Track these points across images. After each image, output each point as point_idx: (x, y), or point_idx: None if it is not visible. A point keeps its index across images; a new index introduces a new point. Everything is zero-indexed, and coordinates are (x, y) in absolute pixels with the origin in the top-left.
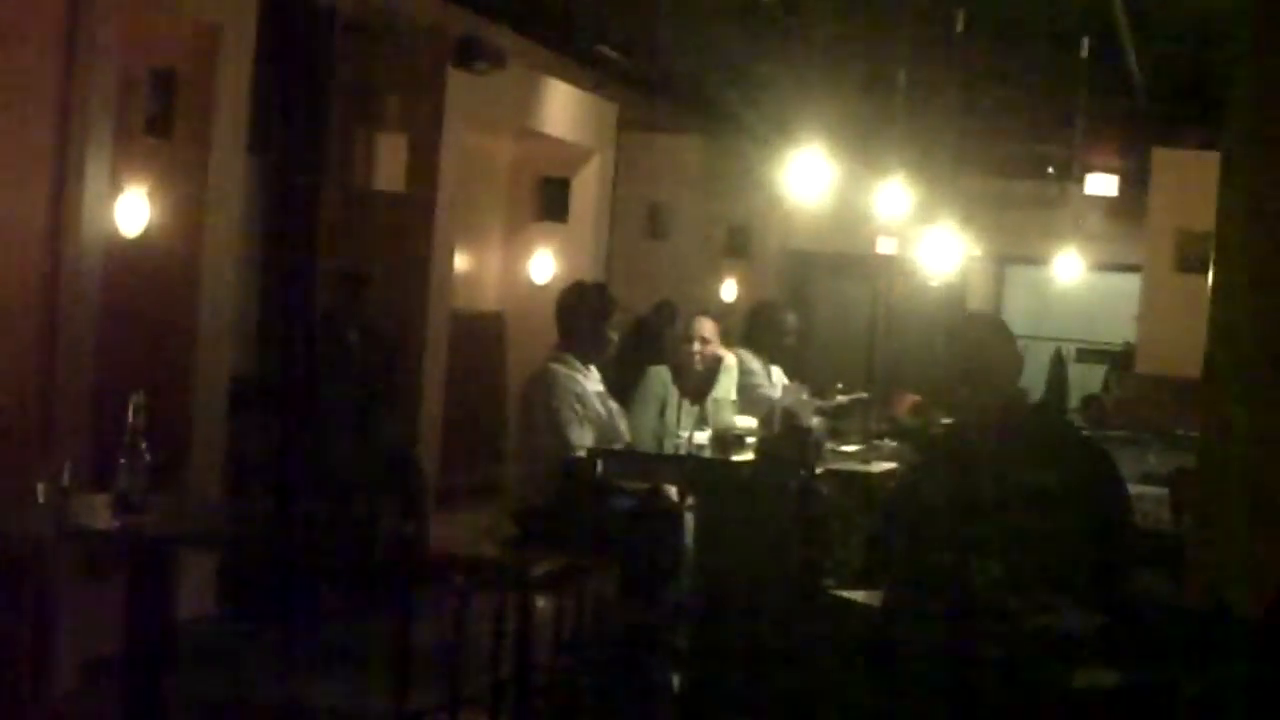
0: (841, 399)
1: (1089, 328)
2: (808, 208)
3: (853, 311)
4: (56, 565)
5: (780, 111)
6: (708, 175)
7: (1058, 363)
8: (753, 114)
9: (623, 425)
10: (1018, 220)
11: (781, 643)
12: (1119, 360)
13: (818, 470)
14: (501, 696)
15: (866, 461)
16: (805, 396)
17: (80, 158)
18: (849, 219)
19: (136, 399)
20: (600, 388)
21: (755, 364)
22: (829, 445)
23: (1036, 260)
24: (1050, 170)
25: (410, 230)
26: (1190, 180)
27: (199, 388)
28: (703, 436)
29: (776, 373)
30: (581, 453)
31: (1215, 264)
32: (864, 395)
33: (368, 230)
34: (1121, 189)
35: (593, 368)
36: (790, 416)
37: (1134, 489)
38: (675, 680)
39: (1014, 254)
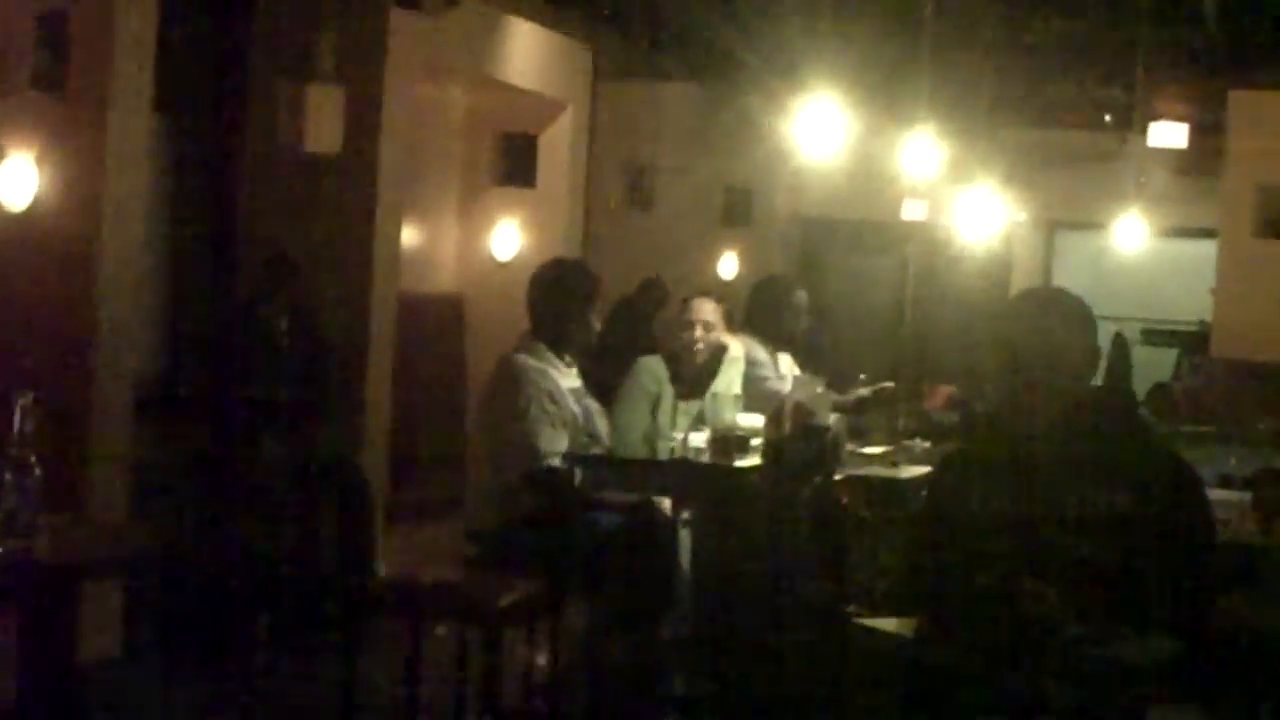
0: (864, 392)
1: (1155, 304)
2: (820, 167)
3: (876, 288)
4: None
5: (787, 54)
6: (701, 130)
7: (1120, 347)
8: (754, 57)
9: (603, 427)
10: (1070, 178)
11: (797, 683)
12: (1191, 343)
13: (836, 476)
14: None
15: (894, 465)
16: (820, 390)
17: None
18: (870, 180)
19: (24, 401)
20: (577, 383)
21: (761, 352)
22: (850, 447)
23: (1092, 225)
24: (1108, 119)
25: (349, 199)
26: (1274, 128)
27: (98, 388)
28: (700, 439)
29: (785, 362)
30: (556, 460)
31: None
32: (890, 387)
33: (298, 200)
34: (1192, 140)
35: (570, 360)
36: (803, 413)
37: (1211, 495)
38: None
39: (1066, 218)
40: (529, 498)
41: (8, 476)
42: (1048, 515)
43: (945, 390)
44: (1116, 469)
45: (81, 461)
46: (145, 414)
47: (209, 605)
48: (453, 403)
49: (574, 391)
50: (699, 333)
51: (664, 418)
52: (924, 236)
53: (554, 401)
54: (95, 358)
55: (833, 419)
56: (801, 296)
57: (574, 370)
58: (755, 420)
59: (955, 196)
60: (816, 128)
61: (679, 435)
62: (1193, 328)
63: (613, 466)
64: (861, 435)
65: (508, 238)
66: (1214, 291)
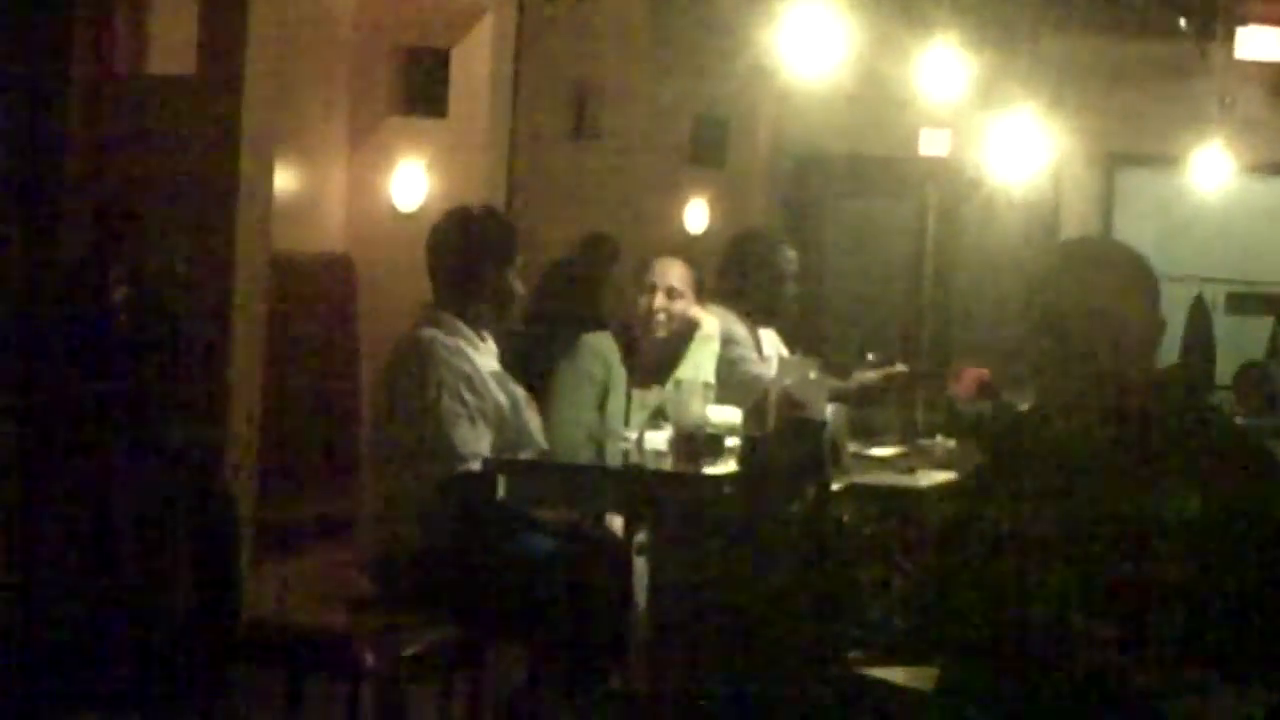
0: (870, 376)
1: (1244, 261)
2: (814, 89)
3: (886, 244)
4: None
5: None
6: (660, 42)
7: (1199, 315)
8: None
9: (535, 423)
10: (1135, 101)
11: None
12: None
13: (835, 486)
14: None
15: (910, 471)
16: (815, 374)
17: None
18: (877, 104)
19: None
20: (497, 366)
21: (738, 328)
22: (853, 447)
23: (1163, 160)
24: (1183, 23)
25: (205, 133)
26: None
27: None
28: (660, 438)
29: (770, 339)
30: (476, 464)
31: None
32: (904, 370)
33: (139, 136)
34: None
35: (487, 335)
36: (792, 405)
37: None
38: None
39: (1129, 151)
40: (443, 515)
41: None
42: (1101, 531)
43: (975, 374)
44: (1186, 468)
45: None
46: None
47: (35, 656)
48: (341, 394)
49: (496, 376)
50: (659, 302)
51: (614, 411)
52: (947, 176)
53: (473, 390)
54: None
55: (830, 411)
56: (790, 255)
57: (493, 348)
58: (731, 414)
59: (987, 125)
60: (808, 37)
61: (633, 434)
62: None
63: (548, 475)
64: (868, 432)
65: (412, 181)
66: None
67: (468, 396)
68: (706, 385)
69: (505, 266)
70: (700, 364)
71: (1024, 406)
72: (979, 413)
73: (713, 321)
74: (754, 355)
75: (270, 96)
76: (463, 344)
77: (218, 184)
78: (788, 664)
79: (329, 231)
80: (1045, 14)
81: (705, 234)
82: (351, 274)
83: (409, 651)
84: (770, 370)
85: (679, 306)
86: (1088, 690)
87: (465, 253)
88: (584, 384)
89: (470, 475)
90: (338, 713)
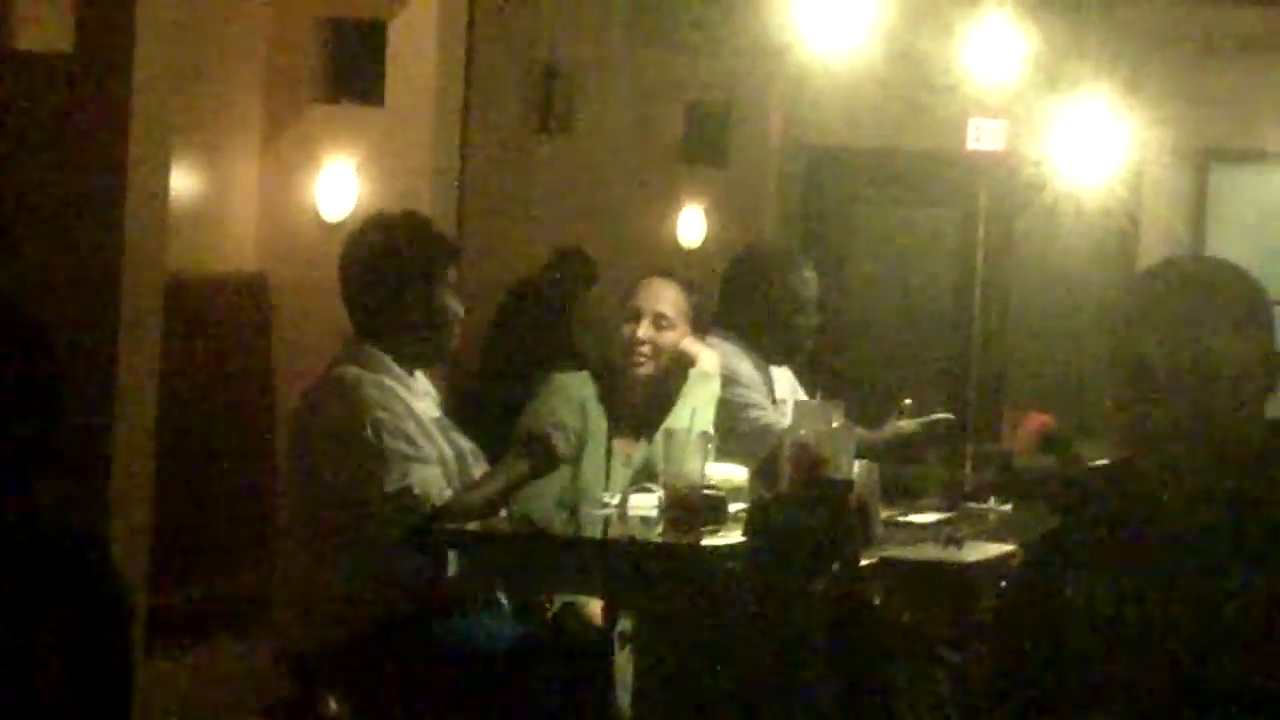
0: (907, 425)
1: None
2: (835, 69)
3: (927, 260)
4: None
5: None
6: (644, 13)
7: None
8: None
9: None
10: (1234, 83)
11: None
12: None
13: (864, 561)
14: None
15: (956, 542)
16: (839, 423)
17: None
18: (914, 88)
19: None
20: (438, 411)
21: (744, 365)
22: (886, 513)
23: (1270, 157)
24: None
25: (85, 124)
26: None
27: None
28: (648, 502)
29: (784, 379)
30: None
31: None
32: (949, 419)
33: (3, 127)
34: None
35: (419, 374)
36: (811, 461)
37: None
38: None
39: (1227, 146)
40: (375, 595)
41: None
42: (1203, 627)
43: (1038, 420)
44: None
45: None
46: None
47: None
48: (254, 445)
49: (438, 424)
50: (645, 332)
51: (591, 469)
52: (1001, 177)
53: (413, 441)
54: None
55: (859, 469)
56: (808, 276)
57: (429, 388)
58: (735, 472)
59: (1050, 114)
60: (828, 5)
61: (614, 497)
62: None
63: (508, 548)
64: (905, 495)
65: (340, 184)
66: None
67: (414, 439)
68: (705, 436)
69: (435, 284)
70: (697, 410)
71: (1100, 462)
72: (1043, 470)
73: (712, 357)
74: (763, 399)
75: (165, 79)
76: (392, 384)
77: (101, 186)
78: None
79: (238, 245)
80: None
81: (703, 249)
82: (265, 297)
83: None
84: (784, 418)
85: (670, 339)
86: None
87: (384, 270)
88: (553, 435)
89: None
90: None
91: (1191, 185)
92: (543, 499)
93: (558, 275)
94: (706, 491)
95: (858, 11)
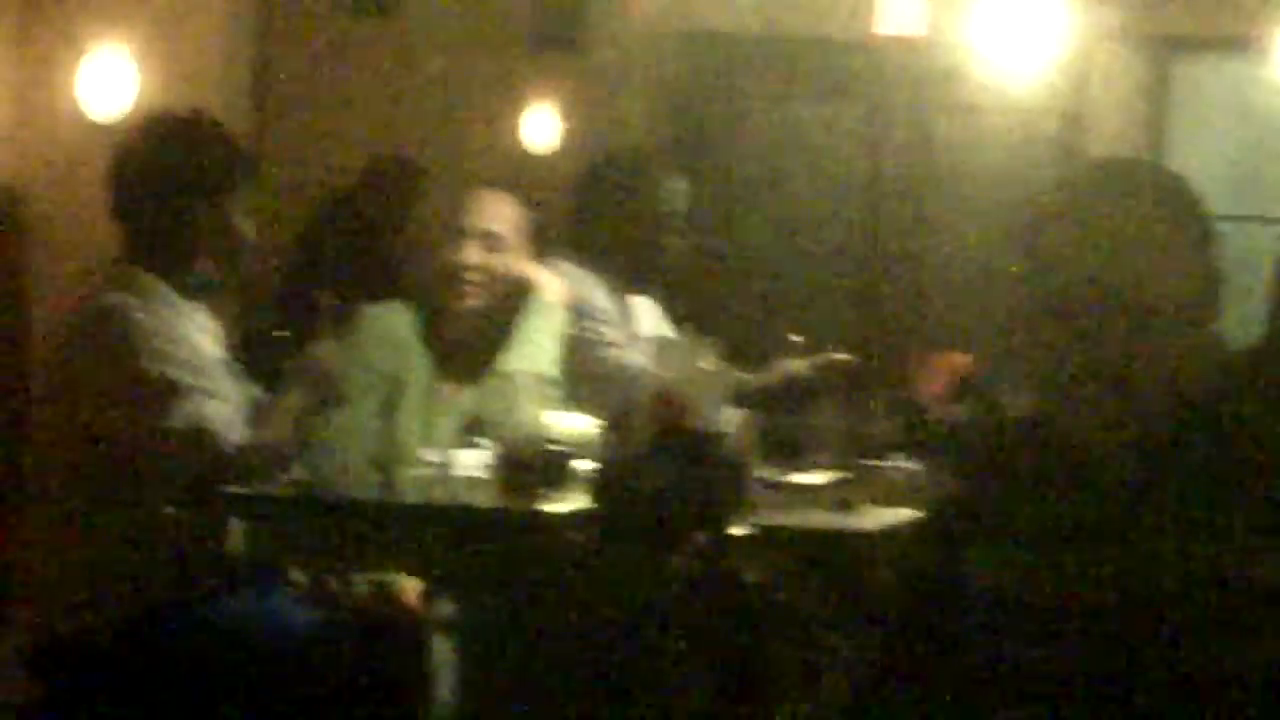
0: (797, 367)
1: None
2: None
3: (824, 171)
4: None
5: None
6: None
7: None
8: None
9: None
10: None
11: None
12: None
13: (738, 530)
14: None
15: (849, 507)
16: (710, 363)
17: None
18: None
19: None
20: (222, 353)
21: (598, 294)
22: (765, 473)
23: (1242, 45)
24: None
25: None
26: None
27: None
28: (478, 459)
29: (647, 311)
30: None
31: None
32: (847, 359)
33: None
34: None
35: (200, 308)
36: (673, 409)
37: None
38: None
39: (1192, 32)
40: (146, 565)
41: None
42: (1144, 599)
43: (952, 363)
44: (1263, 506)
45: None
46: None
47: None
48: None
49: (225, 366)
50: (474, 256)
51: (407, 420)
52: (918, 69)
53: (201, 373)
54: None
55: (734, 419)
56: (677, 188)
57: (213, 328)
58: (584, 424)
59: None
60: None
61: (436, 454)
62: None
63: (305, 515)
64: (791, 450)
65: (110, 76)
66: None
67: (202, 372)
68: (545, 380)
69: (224, 200)
70: (537, 348)
71: (1024, 408)
72: (956, 422)
73: (557, 285)
74: (620, 335)
75: None
76: (169, 316)
77: None
78: None
79: None
80: None
81: (556, 155)
82: (20, 213)
83: None
84: (644, 360)
85: (504, 263)
86: None
87: (161, 182)
88: (363, 378)
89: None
90: None
91: (1150, 78)
92: (347, 455)
93: (373, 188)
94: (547, 447)
95: None
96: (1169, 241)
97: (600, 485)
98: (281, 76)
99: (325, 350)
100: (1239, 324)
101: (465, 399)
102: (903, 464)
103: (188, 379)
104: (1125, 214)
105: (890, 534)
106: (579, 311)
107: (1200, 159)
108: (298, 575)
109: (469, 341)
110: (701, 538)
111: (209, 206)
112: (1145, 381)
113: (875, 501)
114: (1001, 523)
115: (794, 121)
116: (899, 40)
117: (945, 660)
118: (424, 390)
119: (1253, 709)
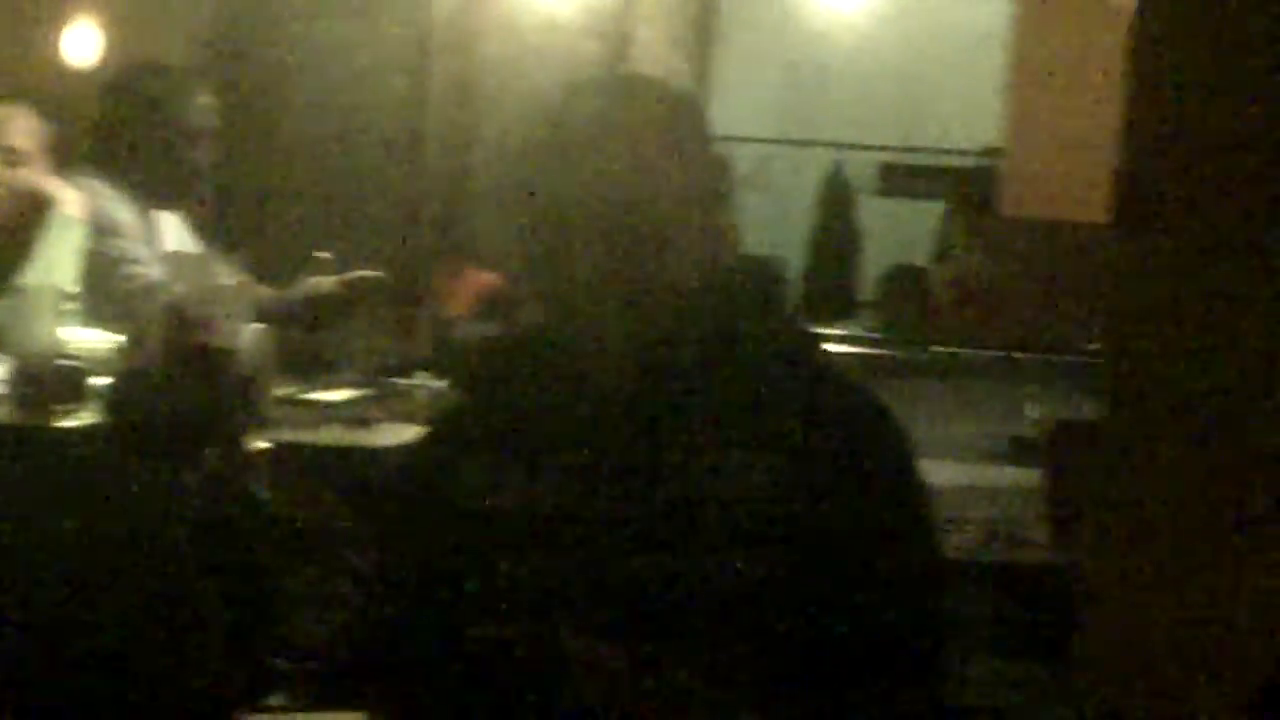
0: (324, 284)
1: (910, 119)
2: None
3: (361, 79)
4: None
5: None
6: None
7: (836, 196)
8: None
9: None
10: None
11: None
12: (968, 193)
13: (251, 446)
14: None
15: (367, 424)
16: (227, 278)
17: None
18: None
19: None
20: None
21: (121, 210)
22: (284, 390)
23: None
24: None
25: None
26: None
27: None
28: None
29: (173, 228)
30: None
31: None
32: (376, 276)
33: None
34: None
35: None
36: (185, 325)
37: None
38: None
39: None
40: None
41: None
42: (623, 510)
43: (480, 281)
44: (761, 418)
45: None
46: None
47: None
48: None
49: None
50: None
51: None
52: None
53: None
54: None
55: (251, 334)
56: (202, 102)
57: None
58: (103, 340)
59: None
60: None
61: None
62: (970, 163)
63: None
64: (313, 367)
65: None
66: (1011, 86)
67: None
68: (59, 294)
69: None
70: (55, 263)
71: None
72: (473, 336)
73: (73, 199)
74: (146, 252)
75: None
76: None
77: None
78: (178, 703)
79: None
80: None
81: (89, 69)
82: None
83: None
84: (162, 274)
85: (20, 177)
86: None
87: None
88: None
89: None
90: None
91: (698, 3)
92: None
93: None
94: (60, 362)
95: None
96: (660, 154)
97: (113, 400)
98: None
99: None
100: (786, 242)
101: None
102: (429, 382)
103: None
104: (614, 127)
105: (404, 451)
106: (99, 227)
107: (746, 78)
108: None
109: None
110: (211, 453)
111: None
112: (641, 292)
113: (397, 418)
114: (498, 434)
115: (337, 37)
116: None
117: (429, 569)
118: None
119: (752, 616)
